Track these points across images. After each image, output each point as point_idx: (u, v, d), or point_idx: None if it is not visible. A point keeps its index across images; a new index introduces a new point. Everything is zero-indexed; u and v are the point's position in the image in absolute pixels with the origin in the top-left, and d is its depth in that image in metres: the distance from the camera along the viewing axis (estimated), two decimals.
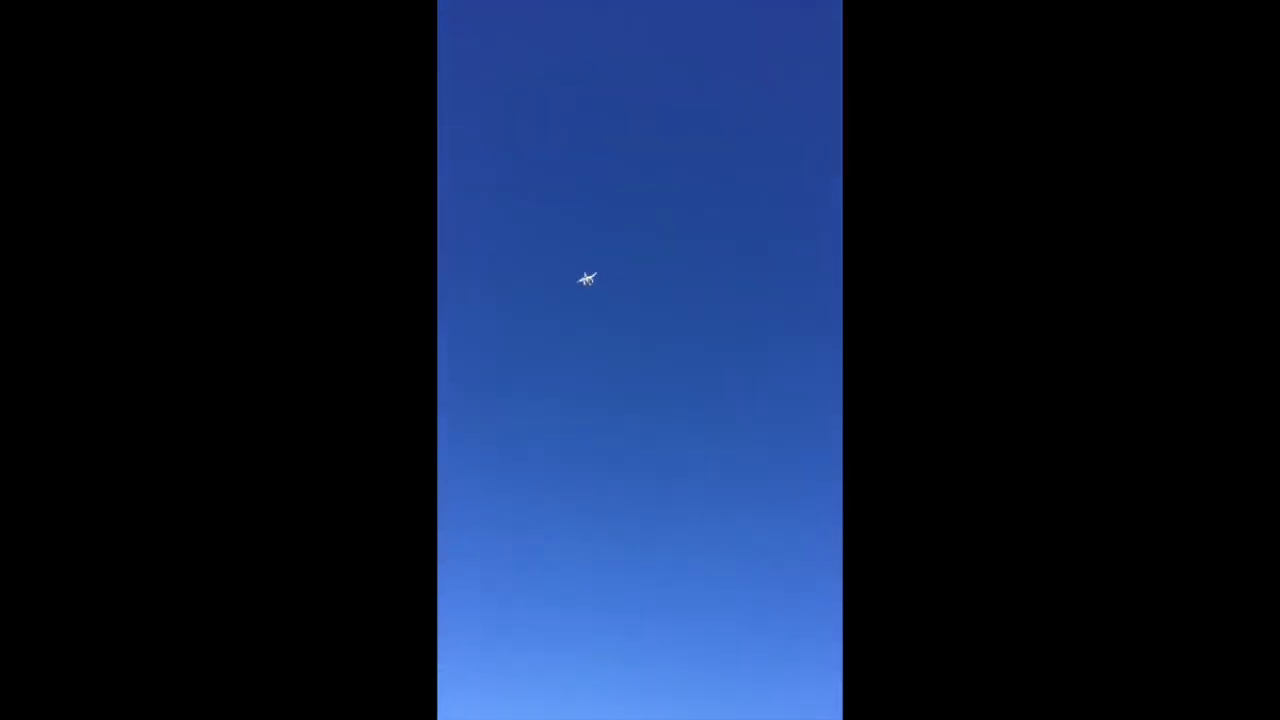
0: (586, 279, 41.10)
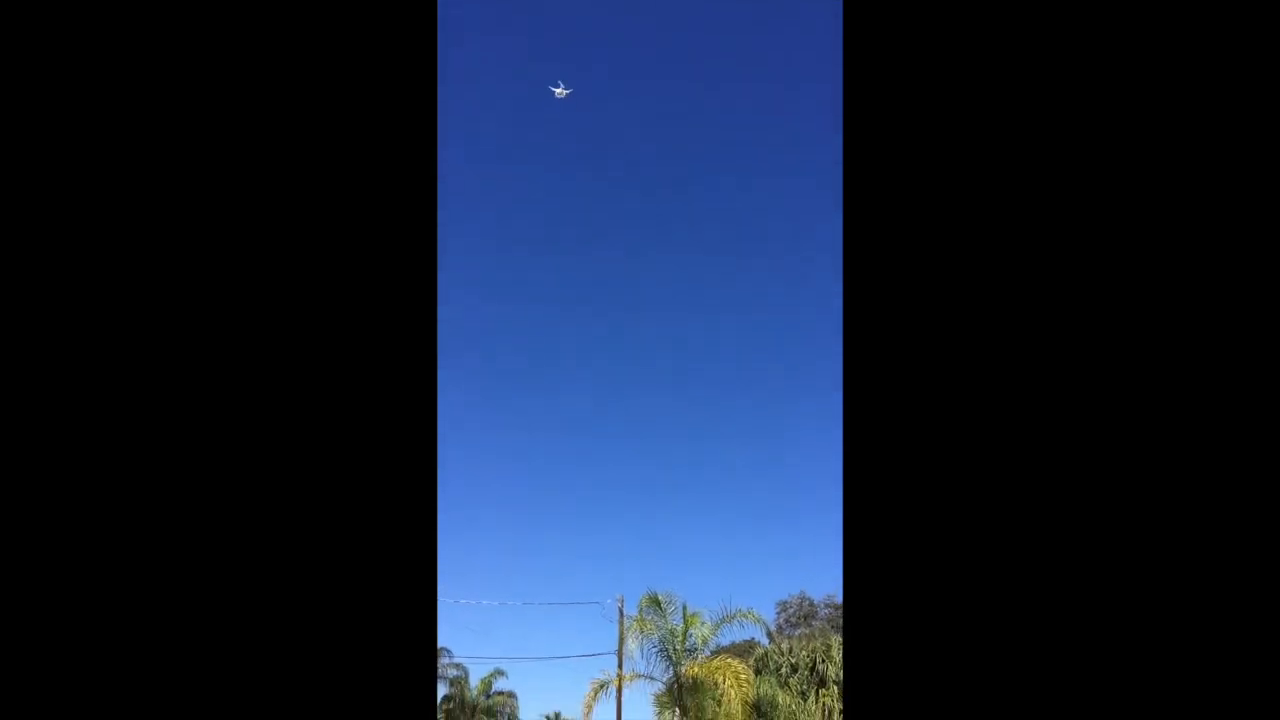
0: (560, 91, 39.73)
